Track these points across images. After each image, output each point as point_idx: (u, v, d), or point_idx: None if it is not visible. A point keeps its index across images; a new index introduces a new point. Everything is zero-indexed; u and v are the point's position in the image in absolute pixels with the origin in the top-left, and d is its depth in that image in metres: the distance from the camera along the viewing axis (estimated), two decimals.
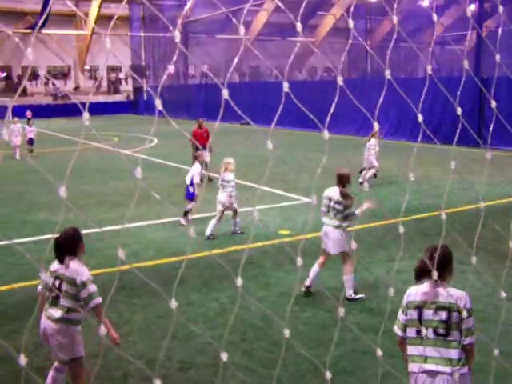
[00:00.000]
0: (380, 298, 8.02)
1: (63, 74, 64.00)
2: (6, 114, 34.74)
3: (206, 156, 2.48)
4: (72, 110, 46.22)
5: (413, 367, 4.18)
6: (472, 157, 19.28)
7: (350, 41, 3.02)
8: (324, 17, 57.06)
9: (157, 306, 7.81)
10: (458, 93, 3.50)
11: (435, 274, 3.80)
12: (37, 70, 53.87)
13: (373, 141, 16.37)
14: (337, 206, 7.90)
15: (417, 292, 4.25)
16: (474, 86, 23.97)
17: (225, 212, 11.27)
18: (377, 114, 3.28)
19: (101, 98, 57.62)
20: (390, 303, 7.69)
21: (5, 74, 59.97)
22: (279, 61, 41.37)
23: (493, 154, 3.23)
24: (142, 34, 57.85)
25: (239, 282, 2.24)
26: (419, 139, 3.28)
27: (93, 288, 5.07)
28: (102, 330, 2.17)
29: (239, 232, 11.40)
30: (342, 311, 2.58)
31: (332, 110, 2.74)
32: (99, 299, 5.08)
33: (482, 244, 9.72)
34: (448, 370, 4.00)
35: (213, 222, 11.22)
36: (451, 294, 4.09)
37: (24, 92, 54.18)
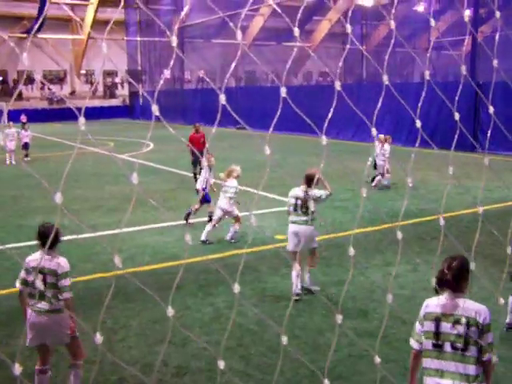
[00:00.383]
0: (376, 303, 8.01)
1: (59, 79, 63.98)
2: (2, 118, 34.69)
3: (207, 160, 2.48)
4: (68, 115, 46.19)
5: (428, 381, 4.06)
6: (468, 161, 19.33)
7: (348, 46, 3.01)
8: (320, 22, 57.15)
9: (152, 310, 7.78)
10: (456, 98, 3.50)
11: (454, 284, 3.79)
12: (32, 74, 53.76)
13: (386, 146, 16.57)
14: (305, 204, 8.33)
15: (435, 304, 4.11)
16: (470, 91, 24.05)
17: (223, 218, 11.22)
18: (374, 119, 3.27)
19: (97, 103, 57.55)
20: (386, 308, 7.69)
21: (1, 79, 59.89)
22: (275, 65, 41.46)
23: (489, 159, 3.23)
24: (138, 39, 57.87)
25: (236, 288, 2.22)
26: (417, 144, 3.27)
27: (69, 281, 5.46)
28: (98, 338, 2.15)
29: (233, 241, 11.19)
30: (339, 318, 2.55)
31: (330, 115, 2.73)
32: (71, 293, 5.47)
33: (479, 248, 9.69)
34: None
35: (208, 227, 11.21)
36: (470, 307, 3.98)
37: (20, 96, 54.09)
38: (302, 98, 28.92)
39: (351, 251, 2.83)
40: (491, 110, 3.25)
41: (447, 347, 3.97)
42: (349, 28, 2.66)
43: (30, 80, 59.47)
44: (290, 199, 8.43)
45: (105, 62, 55.86)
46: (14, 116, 35.66)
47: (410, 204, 14.10)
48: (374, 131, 3.15)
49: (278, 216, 13.05)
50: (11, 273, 9.50)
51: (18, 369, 1.93)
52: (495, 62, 3.24)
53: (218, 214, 11.12)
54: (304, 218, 8.31)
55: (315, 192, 8.39)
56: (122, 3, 42.81)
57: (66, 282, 5.41)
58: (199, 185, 12.18)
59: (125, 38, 57.88)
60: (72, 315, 5.44)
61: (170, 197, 14.86)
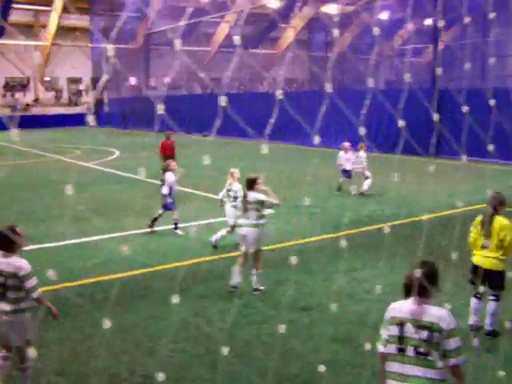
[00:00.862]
0: (342, 308, 8.07)
1: (22, 86, 62.98)
2: None
3: (175, 165, 2.49)
4: (31, 122, 45.57)
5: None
6: (430, 167, 19.61)
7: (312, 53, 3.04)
8: (285, 29, 57.55)
9: (119, 319, 7.71)
10: (426, 103, 3.57)
11: (422, 289, 3.83)
12: None
13: (362, 153, 16.69)
14: (254, 206, 8.67)
15: (400, 308, 4.14)
16: (431, 98, 24.45)
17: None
18: (316, 124, 3.32)
19: (61, 110, 56.85)
20: (352, 313, 7.77)
21: None
22: (241, 73, 41.55)
23: (450, 164, 3.30)
24: (103, 46, 57.44)
25: (176, 298, 2.23)
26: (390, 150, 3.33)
27: (35, 280, 5.53)
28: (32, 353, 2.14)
29: (214, 244, 11.11)
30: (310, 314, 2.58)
31: (300, 119, 2.77)
32: (40, 291, 5.59)
33: (441, 252, 9.86)
34: None
35: (223, 232, 11.18)
36: (434, 312, 3.98)
37: None
38: (269, 105, 29.09)
39: (293, 259, 2.87)
40: (435, 117, 3.32)
41: (410, 351, 3.98)
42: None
43: None
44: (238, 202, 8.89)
45: (69, 69, 55.43)
46: None
47: (374, 209, 14.29)
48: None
49: None
50: None
51: None
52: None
53: (229, 222, 11.05)
54: (252, 221, 8.66)
55: (256, 195, 8.68)
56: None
57: (33, 281, 5.48)
58: (164, 190, 12.15)
59: (89, 45, 57.39)
60: (48, 305, 5.70)
61: (136, 204, 14.75)
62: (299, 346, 6.83)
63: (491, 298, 7.12)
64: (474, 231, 7.24)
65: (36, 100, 60.22)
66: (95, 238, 11.90)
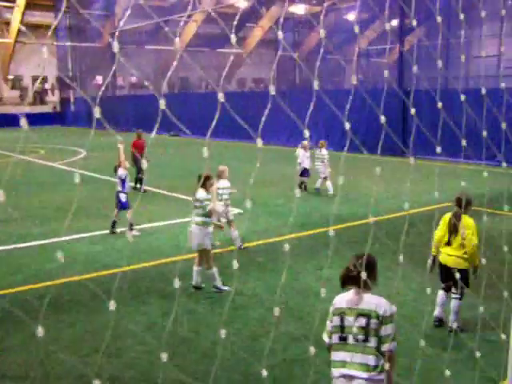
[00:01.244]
0: (310, 307, 8.11)
1: None
2: None
3: (143, 164, 2.46)
4: None
5: (334, 372, 4.27)
6: (398, 166, 19.83)
7: (280, 52, 3.04)
8: (252, 29, 57.56)
9: (85, 321, 7.62)
10: (382, 103, 3.59)
11: (361, 280, 3.91)
12: None
13: (324, 151, 16.69)
14: (196, 204, 8.71)
15: (341, 299, 4.33)
16: (399, 98, 24.74)
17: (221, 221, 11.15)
18: (306, 123, 3.31)
19: (26, 109, 55.96)
20: (320, 311, 7.81)
21: None
22: (208, 72, 41.43)
23: (417, 163, 3.33)
24: (69, 44, 56.69)
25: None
26: (346, 148, 3.33)
27: None
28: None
29: (242, 247, 11.03)
30: (277, 310, 2.58)
31: (264, 119, 2.76)
32: None
33: (409, 250, 9.98)
34: (364, 375, 4.08)
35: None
36: (371, 300, 4.17)
37: None
38: (236, 105, 29.10)
39: (260, 258, 2.87)
40: (413, 111, 3.35)
41: (350, 339, 4.17)
42: (280, 34, 2.69)
43: None
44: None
45: (34, 67, 54.52)
46: None
47: (342, 208, 14.38)
48: (306, 133, 3.18)
49: None
50: None
51: None
52: (415, 68, 3.35)
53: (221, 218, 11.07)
54: (196, 219, 8.71)
55: (200, 194, 8.69)
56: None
57: None
58: (119, 187, 12.10)
59: (55, 43, 56.58)
60: None
61: (103, 204, 14.59)
62: (267, 344, 6.83)
63: (454, 296, 7.27)
64: (442, 228, 7.39)
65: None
66: (60, 239, 11.72)
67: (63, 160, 24.98)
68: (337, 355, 4.26)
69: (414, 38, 39.38)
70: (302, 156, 17.07)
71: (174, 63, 2.77)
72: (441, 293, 7.47)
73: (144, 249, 11.15)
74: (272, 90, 2.64)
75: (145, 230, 12.63)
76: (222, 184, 10.77)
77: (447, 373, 3.83)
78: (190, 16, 51.65)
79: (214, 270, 8.80)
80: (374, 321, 4.10)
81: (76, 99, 56.57)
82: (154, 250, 11.14)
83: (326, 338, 4.39)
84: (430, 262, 7.47)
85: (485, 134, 3.83)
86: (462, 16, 3.81)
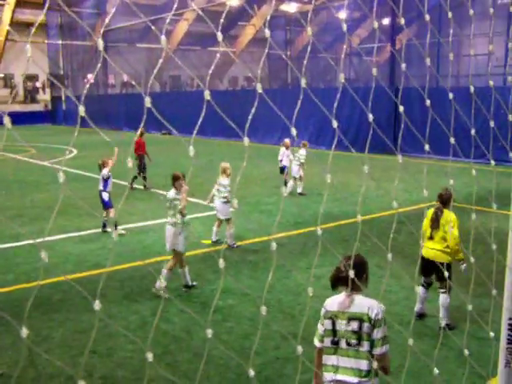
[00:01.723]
0: (302, 305, 8.13)
1: None
2: None
3: (128, 162, 2.45)
4: None
5: (326, 376, 4.17)
6: (389, 164, 19.90)
7: (266, 50, 3.04)
8: (244, 27, 57.51)
9: (76, 320, 7.61)
10: (370, 102, 3.61)
11: (351, 281, 3.86)
12: None
13: (302, 151, 16.60)
14: (167, 204, 8.64)
15: (333, 302, 4.23)
16: (389, 97, 24.79)
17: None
18: (293, 122, 3.32)
19: (17, 108, 55.71)
20: (310, 309, 7.82)
21: None
22: (200, 70, 41.39)
23: (407, 161, 3.35)
24: (60, 42, 56.42)
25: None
26: (333, 146, 3.34)
27: None
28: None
29: (235, 246, 11.07)
30: (264, 309, 2.58)
31: (250, 117, 2.76)
32: None
33: (400, 248, 10.03)
34: (355, 380, 4.01)
35: (214, 229, 11.36)
36: (363, 303, 4.08)
37: None
38: (228, 103, 29.11)
39: (274, 246, 2.87)
40: (401, 108, 3.36)
41: (343, 343, 4.08)
42: (268, 33, 2.68)
43: None
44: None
45: (25, 66, 54.21)
46: None
47: (332, 207, 14.40)
48: (293, 131, 3.18)
49: (204, 221, 13.04)
50: None
51: None
52: (403, 66, 3.36)
53: (217, 215, 11.19)
54: (168, 220, 8.64)
55: (170, 194, 8.67)
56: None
57: None
58: (101, 186, 12.17)
59: (46, 41, 56.31)
60: None
61: (94, 204, 14.53)
62: (260, 343, 6.84)
63: (440, 290, 7.40)
64: (425, 223, 7.57)
65: None
66: (51, 238, 11.69)
67: (54, 159, 24.88)
68: (329, 359, 4.17)
69: (405, 36, 39.49)
70: (282, 154, 17.13)
71: (160, 60, 2.76)
72: (421, 289, 7.64)
73: (135, 248, 11.14)
74: (259, 88, 2.63)
75: (136, 228, 12.62)
76: (221, 181, 10.81)
77: (436, 371, 3.84)
78: (181, 14, 51.58)
79: (186, 269, 8.80)
80: (366, 324, 4.01)
81: (67, 98, 56.35)
82: (146, 248, 11.13)
83: (316, 342, 4.28)
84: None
85: (473, 132, 3.84)
86: (450, 14, 3.83)
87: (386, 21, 30.04)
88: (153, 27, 3.29)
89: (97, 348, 6.81)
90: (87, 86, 37.93)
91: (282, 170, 17.07)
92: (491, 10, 11.08)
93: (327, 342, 4.18)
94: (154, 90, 48.71)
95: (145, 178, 17.73)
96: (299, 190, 16.56)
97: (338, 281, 4.14)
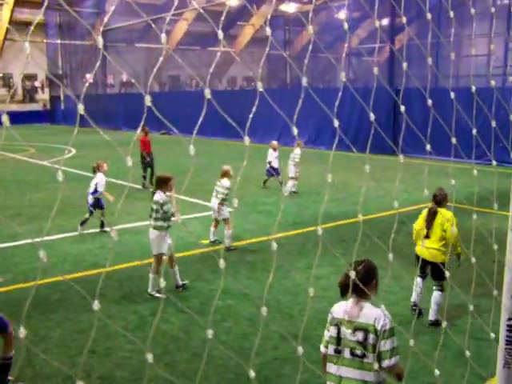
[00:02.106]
0: (301, 306, 8.11)
1: None
2: None
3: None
4: None
5: None
6: (388, 164, 19.88)
7: (267, 49, 3.02)
8: (243, 27, 57.48)
9: (74, 320, 7.58)
10: (371, 102, 3.58)
11: (359, 287, 3.74)
12: None
13: (297, 151, 16.53)
14: (154, 207, 8.42)
15: (339, 309, 4.11)
16: (389, 97, 24.77)
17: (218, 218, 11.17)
18: (294, 122, 3.29)
19: (15, 107, 55.63)
20: (310, 310, 7.80)
21: None
22: (199, 70, 41.35)
23: (406, 162, 3.33)
24: (59, 42, 56.34)
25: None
26: (334, 146, 3.32)
27: None
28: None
29: (232, 248, 10.88)
30: (264, 310, 2.56)
31: (251, 115, 2.74)
32: None
33: (398, 249, 10.01)
34: None
35: (211, 229, 11.34)
36: (370, 314, 3.94)
37: None
38: (227, 103, 29.10)
39: (274, 246, 2.85)
40: (402, 108, 3.34)
41: (347, 353, 3.97)
42: (269, 31, 2.66)
43: None
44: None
45: (24, 65, 54.12)
46: None
47: (331, 206, 14.38)
48: (295, 130, 3.16)
49: (203, 221, 13.02)
50: None
51: None
52: (405, 65, 3.34)
53: (212, 215, 11.23)
54: (152, 222, 8.50)
55: (157, 197, 8.45)
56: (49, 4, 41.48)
57: None
58: (100, 188, 12.07)
59: (44, 41, 56.25)
60: None
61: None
62: (258, 343, 6.82)
63: (435, 288, 7.53)
64: (419, 222, 7.64)
65: None
66: (50, 237, 11.66)
67: (53, 158, 24.84)
68: (332, 368, 4.06)
69: (405, 36, 39.45)
70: (270, 156, 17.16)
71: (161, 58, 2.73)
72: (418, 279, 7.75)
73: (134, 248, 11.12)
74: (260, 87, 2.61)
75: (135, 228, 12.58)
76: (222, 183, 10.80)
77: (436, 372, 3.82)
78: (180, 14, 51.55)
79: (157, 276, 8.51)
80: (372, 336, 3.89)
81: (66, 97, 56.30)
82: (144, 248, 11.09)
83: (322, 347, 4.20)
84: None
85: (474, 131, 3.83)
86: (452, 14, 3.81)
87: (385, 21, 29.99)
88: (153, 25, 3.28)
89: (95, 348, 6.79)
90: (86, 85, 37.76)
91: (270, 170, 17.16)
92: (492, 9, 11.05)
93: (331, 349, 4.08)
94: (153, 90, 48.67)
95: (144, 177, 17.72)
96: (293, 189, 16.55)
97: (347, 287, 3.91)
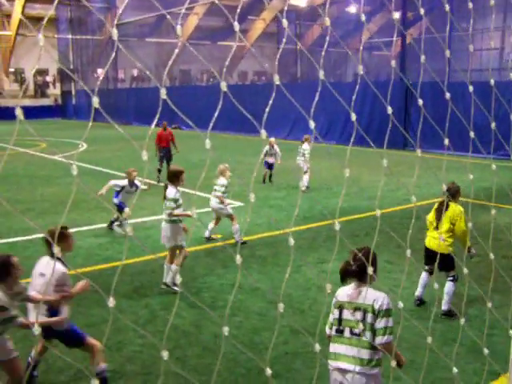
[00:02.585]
0: (311, 300, 8.10)
1: None
2: None
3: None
4: None
5: (330, 363, 4.36)
6: (399, 159, 19.80)
7: (284, 41, 3.00)
8: (254, 21, 57.41)
9: (86, 314, 7.61)
10: (388, 96, 3.56)
11: (360, 274, 4.08)
12: None
13: (306, 146, 16.44)
14: (167, 203, 8.38)
15: (343, 293, 4.40)
16: (401, 91, 24.65)
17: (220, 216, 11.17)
18: (312, 116, 3.27)
19: (27, 102, 55.90)
20: (321, 304, 7.80)
21: None
22: (210, 65, 41.39)
23: (417, 156, 3.30)
24: (70, 37, 56.51)
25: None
26: (350, 144, 3.31)
27: None
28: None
29: (241, 242, 10.62)
30: (281, 307, 2.55)
31: (268, 109, 2.73)
32: None
33: (409, 243, 9.97)
34: (357, 368, 4.12)
35: (210, 225, 11.26)
36: (370, 295, 4.20)
37: None
38: (238, 97, 29.05)
39: (291, 241, 2.83)
40: (420, 102, 3.31)
41: (347, 332, 4.26)
42: (285, 23, 2.64)
43: None
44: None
45: (36, 60, 54.34)
46: None
47: (343, 201, 14.34)
48: (311, 124, 3.14)
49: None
50: None
51: None
52: (423, 58, 3.31)
53: (213, 214, 11.21)
54: (165, 216, 8.48)
55: (169, 192, 8.41)
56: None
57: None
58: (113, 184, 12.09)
59: (56, 36, 56.44)
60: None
61: (104, 198, 14.56)
62: (269, 338, 6.82)
63: (448, 278, 7.59)
64: (431, 214, 7.75)
65: (0, 92, 59.07)
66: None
67: (65, 153, 24.94)
68: (333, 347, 4.35)
69: (416, 30, 39.23)
70: (268, 151, 17.19)
71: (176, 50, 2.73)
72: (424, 274, 7.84)
73: (145, 242, 11.14)
74: (277, 80, 2.60)
75: (146, 223, 12.62)
76: (220, 181, 10.83)
77: (455, 370, 3.80)
78: (191, 9, 51.53)
79: (178, 268, 8.46)
80: (370, 315, 4.17)
81: (77, 92, 56.48)
82: (156, 243, 11.11)
83: (327, 329, 4.49)
84: None
85: (493, 125, 3.79)
86: (470, 5, 3.77)
87: (397, 15, 29.83)
88: (168, 16, 3.27)
89: (106, 342, 6.81)
90: (99, 80, 37.85)
91: (266, 164, 17.30)
92: None
93: (333, 330, 4.37)
94: (164, 84, 48.64)
95: (159, 170, 17.72)
96: (304, 187, 16.50)
97: (347, 273, 4.34)
